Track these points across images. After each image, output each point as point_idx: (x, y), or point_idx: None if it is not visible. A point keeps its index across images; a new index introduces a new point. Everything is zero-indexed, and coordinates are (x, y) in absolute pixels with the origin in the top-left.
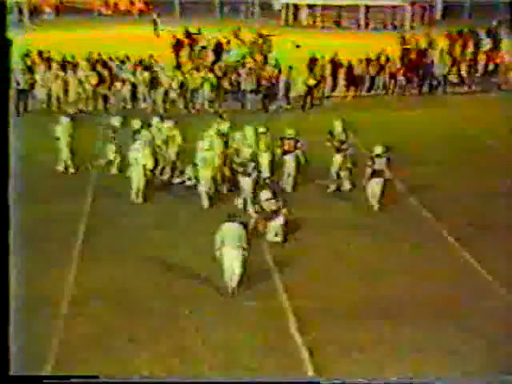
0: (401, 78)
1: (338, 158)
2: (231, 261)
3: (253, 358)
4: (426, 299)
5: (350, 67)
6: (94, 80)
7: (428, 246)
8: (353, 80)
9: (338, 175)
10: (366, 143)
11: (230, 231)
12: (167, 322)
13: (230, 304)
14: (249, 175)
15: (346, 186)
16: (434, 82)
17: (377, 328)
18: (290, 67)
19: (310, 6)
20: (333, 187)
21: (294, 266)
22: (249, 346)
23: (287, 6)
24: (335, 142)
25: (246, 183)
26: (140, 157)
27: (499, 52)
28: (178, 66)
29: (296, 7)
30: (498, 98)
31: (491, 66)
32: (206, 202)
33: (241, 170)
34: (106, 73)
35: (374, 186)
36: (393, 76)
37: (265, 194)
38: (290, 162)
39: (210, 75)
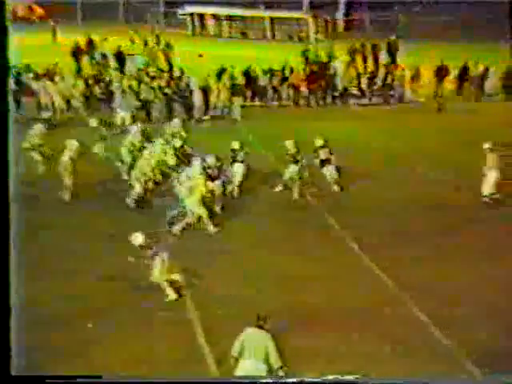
0: (304, 89)
1: (293, 168)
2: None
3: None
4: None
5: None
6: None
7: (336, 256)
8: (257, 90)
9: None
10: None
11: (253, 340)
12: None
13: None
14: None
15: (295, 195)
16: (336, 94)
17: (293, 336)
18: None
19: (215, 16)
20: (280, 187)
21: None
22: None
23: (192, 15)
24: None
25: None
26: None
27: (397, 66)
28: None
29: (202, 17)
30: (397, 110)
31: (389, 79)
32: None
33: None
34: None
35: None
36: (296, 87)
37: None
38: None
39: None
